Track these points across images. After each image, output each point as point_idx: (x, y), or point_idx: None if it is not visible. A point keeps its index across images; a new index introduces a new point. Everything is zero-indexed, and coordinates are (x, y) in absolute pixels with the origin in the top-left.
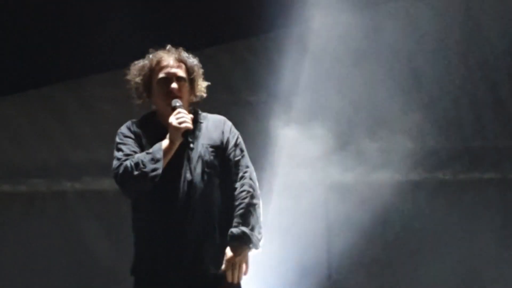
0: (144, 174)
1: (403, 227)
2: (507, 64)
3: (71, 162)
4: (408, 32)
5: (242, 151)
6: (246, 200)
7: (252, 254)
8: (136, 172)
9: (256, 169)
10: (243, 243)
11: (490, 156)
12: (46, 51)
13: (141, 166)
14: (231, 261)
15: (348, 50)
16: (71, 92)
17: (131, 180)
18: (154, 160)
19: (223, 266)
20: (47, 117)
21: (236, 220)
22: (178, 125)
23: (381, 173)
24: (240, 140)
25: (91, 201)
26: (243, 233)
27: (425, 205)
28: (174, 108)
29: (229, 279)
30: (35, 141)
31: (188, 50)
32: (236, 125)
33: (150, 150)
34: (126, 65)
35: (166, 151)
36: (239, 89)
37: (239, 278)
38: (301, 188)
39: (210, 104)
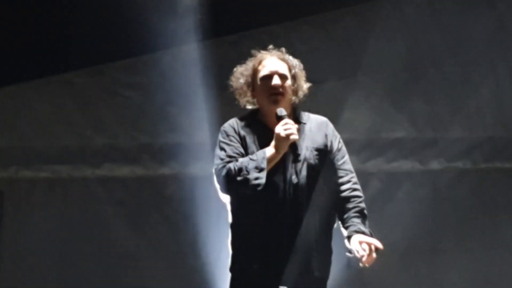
0: (247, 181)
1: (422, 216)
2: None
3: (93, 148)
4: (431, 21)
5: (344, 155)
6: (361, 205)
7: None
8: (239, 178)
9: None
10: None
11: (510, 145)
12: (69, 37)
13: (245, 172)
14: (369, 245)
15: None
16: (93, 78)
17: (233, 184)
18: (258, 169)
19: (359, 252)
20: (69, 103)
21: (357, 220)
22: (285, 137)
23: (402, 162)
24: (342, 143)
25: (112, 187)
26: (371, 234)
27: (446, 195)
28: (280, 118)
29: (369, 260)
30: (57, 127)
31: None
32: None
33: (254, 157)
34: (149, 51)
35: (270, 159)
36: None
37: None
38: None
39: None
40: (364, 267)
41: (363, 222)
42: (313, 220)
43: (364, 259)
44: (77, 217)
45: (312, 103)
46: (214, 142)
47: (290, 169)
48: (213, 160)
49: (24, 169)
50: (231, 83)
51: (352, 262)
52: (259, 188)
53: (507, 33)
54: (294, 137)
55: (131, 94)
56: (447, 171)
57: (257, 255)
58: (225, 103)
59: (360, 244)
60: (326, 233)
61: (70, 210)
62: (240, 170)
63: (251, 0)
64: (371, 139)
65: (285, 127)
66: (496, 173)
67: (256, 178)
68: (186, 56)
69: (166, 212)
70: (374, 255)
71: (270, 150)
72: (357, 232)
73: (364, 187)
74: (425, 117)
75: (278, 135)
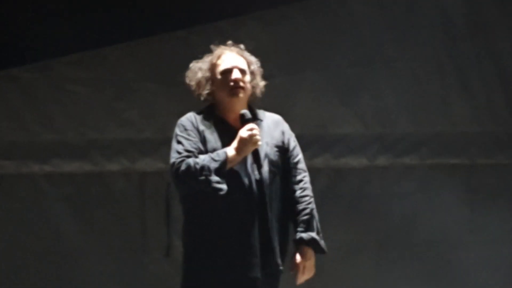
0: (208, 182)
1: (369, 212)
2: (474, 50)
3: (40, 144)
4: (378, 17)
5: (298, 154)
6: (310, 205)
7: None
8: (201, 178)
9: None
10: (313, 248)
11: (458, 141)
12: (15, 32)
13: (207, 172)
14: (302, 264)
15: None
16: (41, 73)
17: (193, 181)
18: (220, 172)
19: (292, 269)
20: (16, 98)
21: (302, 225)
22: (250, 142)
23: (349, 158)
24: (296, 142)
25: (60, 183)
26: (313, 238)
27: (393, 190)
28: (246, 121)
29: (300, 281)
30: (4, 122)
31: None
32: None
33: (216, 157)
34: (97, 46)
35: (231, 161)
36: None
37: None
38: None
39: None
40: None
41: (311, 225)
42: (275, 216)
43: (300, 281)
44: (25, 213)
45: (262, 99)
46: (163, 138)
47: (252, 165)
48: (161, 156)
49: None
50: (187, 77)
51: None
52: (221, 193)
53: (452, 29)
54: (260, 143)
55: (79, 89)
56: (394, 167)
57: (218, 252)
58: (173, 99)
59: (297, 264)
60: (285, 228)
61: (18, 206)
62: (202, 169)
63: None
64: (318, 135)
65: (250, 133)
66: (442, 168)
67: (218, 182)
68: (135, 51)
69: (114, 208)
70: (306, 276)
71: (231, 152)
72: (302, 239)
73: (312, 183)
74: (372, 112)
75: (244, 139)
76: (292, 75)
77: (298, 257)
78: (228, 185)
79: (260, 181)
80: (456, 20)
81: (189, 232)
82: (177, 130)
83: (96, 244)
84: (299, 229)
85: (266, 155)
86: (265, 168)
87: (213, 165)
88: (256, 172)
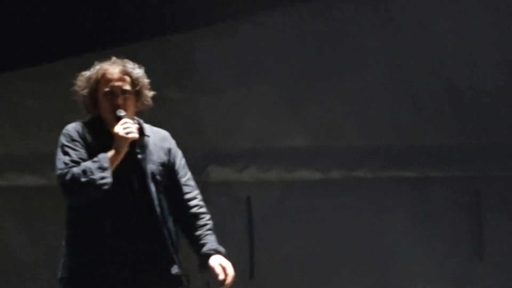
0: (92, 181)
1: (322, 225)
2: (423, 62)
3: None
4: (327, 29)
5: (187, 172)
6: (210, 222)
7: None
8: (83, 179)
9: None
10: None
11: (408, 154)
12: None
13: (89, 173)
14: (226, 271)
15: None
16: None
17: (79, 187)
18: (102, 169)
19: (221, 276)
20: None
21: (211, 238)
22: (125, 135)
23: (301, 171)
24: (184, 160)
25: (12, 197)
26: (224, 251)
27: (345, 203)
28: (119, 118)
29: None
30: None
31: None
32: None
33: (96, 159)
34: (49, 60)
35: (113, 160)
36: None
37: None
38: (223, 185)
39: None
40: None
41: (216, 240)
42: (160, 235)
43: (226, 282)
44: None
45: (211, 112)
46: None
47: (137, 183)
48: None
49: None
50: (74, 91)
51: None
52: (106, 187)
53: (401, 41)
54: (134, 135)
55: (31, 102)
56: (346, 180)
57: (100, 266)
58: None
59: (221, 268)
60: (172, 247)
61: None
62: (84, 172)
63: (150, 10)
64: (270, 148)
65: (124, 126)
66: (394, 181)
67: (102, 178)
68: (85, 64)
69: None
70: (230, 278)
71: (111, 151)
72: (216, 251)
73: (264, 197)
74: (323, 125)
75: (117, 134)
76: (243, 88)
77: (226, 266)
78: (111, 203)
79: (143, 199)
80: (406, 31)
81: (71, 244)
82: (63, 140)
83: (48, 258)
84: (209, 240)
85: (152, 174)
86: (151, 187)
87: (94, 166)
88: (142, 192)
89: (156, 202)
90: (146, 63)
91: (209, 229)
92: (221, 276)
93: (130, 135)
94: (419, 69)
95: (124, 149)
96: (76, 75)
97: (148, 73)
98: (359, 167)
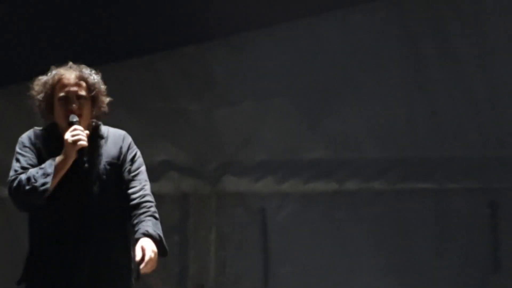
0: (34, 189)
1: (338, 236)
2: (442, 74)
3: None
4: (345, 41)
5: (139, 167)
6: (152, 209)
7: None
8: (27, 187)
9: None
10: (157, 244)
11: (425, 166)
12: None
13: (32, 180)
14: (147, 252)
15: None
16: (8, 99)
17: (22, 194)
18: (45, 175)
19: (138, 258)
20: None
21: (145, 223)
22: (72, 143)
23: (318, 183)
24: (139, 155)
25: None
26: (160, 236)
27: (362, 215)
28: (70, 124)
29: (143, 271)
30: None
31: (125, 58)
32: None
33: (43, 165)
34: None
35: (60, 167)
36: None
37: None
38: (238, 196)
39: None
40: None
41: (153, 225)
42: (107, 236)
43: (142, 266)
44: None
45: (228, 124)
46: None
47: (83, 184)
48: None
49: None
50: (31, 95)
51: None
52: (46, 194)
53: (418, 53)
54: (82, 143)
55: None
56: (363, 191)
57: (48, 271)
58: (142, 122)
59: (141, 250)
60: (123, 250)
61: None
62: (28, 179)
63: (168, 22)
64: (287, 160)
65: (73, 133)
66: (410, 193)
67: (43, 184)
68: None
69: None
70: (151, 260)
71: (59, 157)
72: (144, 235)
73: (280, 208)
74: (340, 137)
75: (66, 141)
76: (260, 100)
77: (145, 245)
78: (56, 205)
79: (89, 201)
80: (424, 44)
81: (29, 248)
82: (17, 147)
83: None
84: (142, 225)
85: (98, 174)
86: (95, 188)
87: (39, 173)
88: (86, 191)
89: (96, 203)
90: (163, 74)
91: (146, 216)
92: (137, 257)
93: (79, 143)
94: (437, 82)
95: (72, 156)
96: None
97: (165, 84)
98: (376, 179)
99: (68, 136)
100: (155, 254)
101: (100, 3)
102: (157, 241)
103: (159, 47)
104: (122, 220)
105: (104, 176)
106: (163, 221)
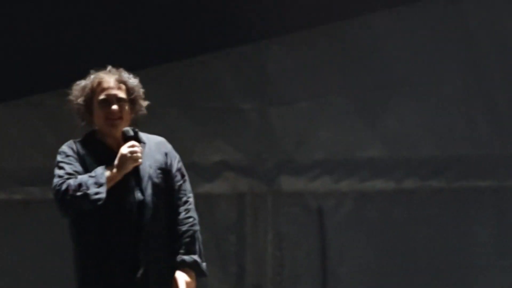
0: (86, 196)
1: (396, 235)
2: (499, 71)
3: None
4: (401, 38)
5: (183, 175)
6: (194, 228)
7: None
8: (78, 193)
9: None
10: (194, 270)
11: (485, 163)
12: (37, 60)
13: (84, 187)
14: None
15: (344, 56)
16: (64, 99)
17: (72, 199)
18: (98, 184)
19: None
20: (40, 124)
21: (184, 247)
22: (131, 159)
23: (375, 181)
24: (181, 163)
25: None
26: (195, 261)
27: (420, 214)
28: (127, 138)
29: None
30: (29, 149)
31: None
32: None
33: (93, 174)
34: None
35: (111, 178)
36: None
37: None
38: (295, 196)
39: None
40: None
41: (194, 247)
42: (159, 239)
43: None
44: (51, 238)
45: (284, 123)
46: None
47: (135, 187)
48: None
49: None
50: (69, 101)
51: None
52: (99, 203)
53: (477, 49)
54: (140, 161)
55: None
56: (420, 190)
57: (103, 275)
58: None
59: (175, 283)
60: (168, 253)
61: (44, 231)
62: (79, 185)
63: (222, 21)
64: (343, 159)
65: (131, 150)
66: (469, 191)
67: (96, 193)
68: (158, 76)
69: None
70: None
71: (111, 168)
72: (180, 264)
73: (337, 207)
74: (397, 135)
75: (124, 156)
76: (315, 98)
77: (180, 278)
78: (109, 207)
79: (142, 204)
80: (482, 42)
81: (74, 259)
82: (58, 157)
83: None
84: (181, 251)
85: (150, 178)
86: (148, 191)
87: (91, 181)
88: (139, 195)
89: (151, 206)
90: (218, 74)
91: (188, 236)
92: None
93: (139, 160)
94: (496, 77)
95: (127, 171)
96: (148, 86)
97: (220, 84)
98: (434, 177)
99: (126, 151)
100: (188, 286)
101: (155, 4)
102: (193, 267)
103: (214, 47)
104: (168, 224)
105: (156, 180)
106: (220, 221)
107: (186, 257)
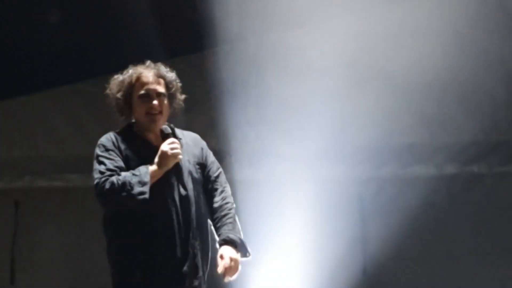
0: (131, 196)
1: (438, 221)
2: None
3: None
4: (444, 25)
5: (218, 167)
6: (233, 211)
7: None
8: (123, 193)
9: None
10: (239, 249)
11: None
12: (79, 47)
13: (128, 187)
14: (228, 264)
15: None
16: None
17: (117, 198)
18: (142, 183)
19: (219, 268)
20: (82, 112)
21: (227, 227)
22: (171, 156)
23: (416, 167)
24: (214, 157)
25: None
26: (241, 240)
27: (461, 199)
28: (166, 136)
29: (226, 280)
30: (71, 136)
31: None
32: None
33: (137, 172)
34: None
35: (153, 175)
36: None
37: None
38: (335, 182)
39: None
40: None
41: (236, 228)
42: (203, 230)
43: (220, 270)
44: (92, 225)
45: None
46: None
47: (177, 182)
48: None
49: (38, 178)
50: (108, 95)
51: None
52: (144, 202)
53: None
54: (180, 157)
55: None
56: (461, 175)
57: (145, 268)
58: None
59: (221, 259)
60: (208, 241)
61: (85, 218)
62: (123, 185)
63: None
64: (384, 145)
65: (171, 146)
66: (510, 176)
67: (140, 193)
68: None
69: None
70: (230, 268)
71: (153, 166)
72: (225, 241)
73: (378, 193)
74: (438, 121)
75: (165, 153)
76: (358, 84)
77: (226, 254)
78: (152, 204)
79: (185, 199)
80: None
81: (115, 252)
82: (98, 151)
83: None
84: (224, 230)
85: (190, 173)
86: (189, 185)
87: (135, 180)
88: (182, 190)
89: (193, 200)
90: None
91: (229, 218)
92: (219, 269)
93: (179, 156)
94: None
95: (168, 168)
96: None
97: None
98: (475, 162)
99: (167, 148)
100: (235, 261)
101: None
102: (238, 245)
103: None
104: (207, 216)
105: (195, 174)
106: (261, 205)
107: (232, 235)
